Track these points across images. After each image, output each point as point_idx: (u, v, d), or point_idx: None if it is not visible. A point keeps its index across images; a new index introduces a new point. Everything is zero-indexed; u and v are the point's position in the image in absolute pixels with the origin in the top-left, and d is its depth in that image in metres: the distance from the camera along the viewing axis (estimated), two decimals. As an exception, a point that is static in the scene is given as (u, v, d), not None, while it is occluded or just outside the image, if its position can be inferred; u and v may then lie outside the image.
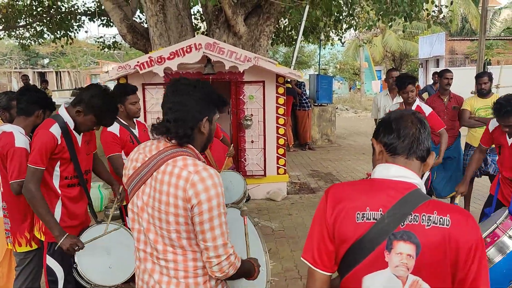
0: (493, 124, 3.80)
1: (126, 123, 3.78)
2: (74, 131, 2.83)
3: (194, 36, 8.73)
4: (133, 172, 1.82)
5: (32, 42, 12.92)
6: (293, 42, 11.32)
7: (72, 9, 10.69)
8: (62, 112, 2.80)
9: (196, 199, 1.68)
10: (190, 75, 6.45)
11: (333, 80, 11.63)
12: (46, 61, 47.99)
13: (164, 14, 7.95)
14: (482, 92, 5.42)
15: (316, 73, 26.36)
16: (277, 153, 6.75)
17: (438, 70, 19.07)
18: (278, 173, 6.81)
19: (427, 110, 4.76)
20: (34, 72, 39.29)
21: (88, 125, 2.81)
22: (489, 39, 23.76)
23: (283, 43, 11.88)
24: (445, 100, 5.73)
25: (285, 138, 6.81)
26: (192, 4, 7.91)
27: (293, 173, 8.43)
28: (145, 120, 6.37)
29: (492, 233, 2.98)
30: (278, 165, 6.80)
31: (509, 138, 3.55)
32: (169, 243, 1.76)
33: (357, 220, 1.42)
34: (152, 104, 6.42)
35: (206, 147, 1.91)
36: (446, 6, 10.16)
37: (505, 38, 26.13)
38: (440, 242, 1.34)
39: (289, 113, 11.02)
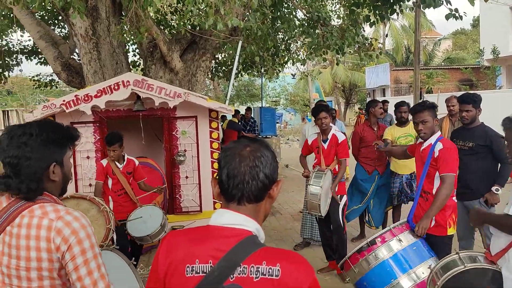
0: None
1: None
2: None
3: (129, 72, 8.70)
4: None
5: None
6: (235, 77, 11.47)
7: (6, 48, 10.44)
8: None
9: (65, 245, 1.58)
10: (120, 112, 6.36)
11: (275, 112, 11.80)
12: (-4, 99, 46.56)
13: (98, 52, 7.89)
14: (401, 120, 5.61)
15: (266, 106, 26.77)
16: (213, 187, 6.68)
17: (382, 99, 19.70)
18: (214, 208, 6.72)
19: (341, 137, 4.89)
20: (-22, 111, 37.93)
21: None
22: (428, 69, 24.91)
23: (224, 77, 12.01)
24: (375, 129, 5.90)
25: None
26: (125, 41, 7.86)
27: (235, 207, 8.36)
28: (74, 160, 6.20)
29: (383, 235, 3.37)
30: (214, 200, 6.72)
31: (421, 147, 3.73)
32: None
33: (187, 274, 1.35)
34: (81, 143, 6.25)
35: (65, 190, 1.83)
36: (376, 40, 10.59)
37: (443, 67, 27.47)
38: None
39: None
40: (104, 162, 5.14)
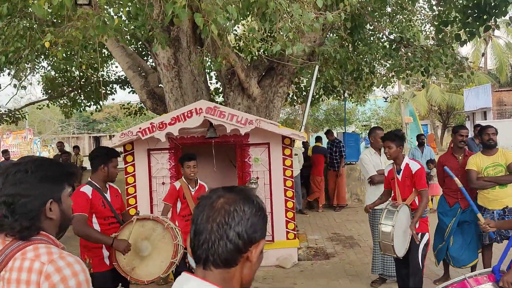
0: None
1: (99, 186, 3.73)
2: None
3: (210, 99, 8.87)
4: None
5: (75, 110, 13.61)
6: (315, 101, 11.26)
7: (101, 79, 11.24)
8: None
9: None
10: (194, 139, 6.44)
11: (359, 137, 11.30)
12: (104, 125, 50.76)
13: (179, 80, 8.15)
14: (489, 143, 4.98)
15: (355, 130, 25.98)
16: (286, 217, 6.48)
17: (483, 122, 18.19)
18: (287, 238, 6.50)
19: (415, 166, 4.39)
20: (90, 137, 41.46)
21: None
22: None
23: (305, 103, 11.82)
24: (459, 158, 5.33)
25: (294, 201, 6.53)
26: (202, 70, 8.03)
27: (312, 236, 8.05)
28: (150, 186, 6.36)
29: (455, 285, 2.91)
30: (287, 230, 6.50)
31: None
32: None
33: None
34: (157, 169, 6.41)
35: (65, 228, 1.74)
36: (467, 59, 9.80)
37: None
38: None
39: (322, 172, 10.69)
40: (177, 184, 4.99)
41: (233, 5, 4.09)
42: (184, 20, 6.55)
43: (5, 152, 11.86)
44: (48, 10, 4.54)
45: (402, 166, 4.41)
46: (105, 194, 3.73)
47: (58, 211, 1.66)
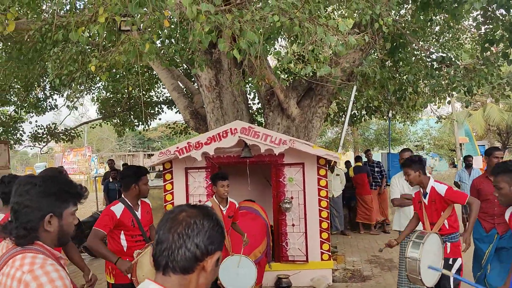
0: None
1: (131, 204, 3.88)
2: None
3: (250, 119, 9.02)
4: None
5: (127, 129, 14.22)
6: (357, 121, 11.15)
7: (149, 99, 11.72)
8: None
9: None
10: (230, 158, 6.58)
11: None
12: (159, 144, 52.40)
13: (220, 101, 8.37)
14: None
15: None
16: (321, 237, 6.44)
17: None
18: (322, 259, 6.44)
19: (442, 188, 4.22)
20: (145, 154, 42.81)
21: None
22: None
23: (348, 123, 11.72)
24: None
25: (328, 222, 6.48)
26: (240, 91, 8.20)
27: (351, 258, 7.92)
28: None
29: None
30: (322, 251, 6.45)
31: None
32: None
33: None
34: (194, 188, 6.58)
35: (63, 242, 1.87)
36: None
37: None
38: None
39: (369, 190, 10.52)
40: (209, 204, 5.03)
41: (257, 30, 4.22)
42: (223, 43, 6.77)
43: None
44: (87, 36, 4.86)
45: (428, 190, 4.30)
46: (136, 212, 3.88)
47: (57, 226, 1.81)
